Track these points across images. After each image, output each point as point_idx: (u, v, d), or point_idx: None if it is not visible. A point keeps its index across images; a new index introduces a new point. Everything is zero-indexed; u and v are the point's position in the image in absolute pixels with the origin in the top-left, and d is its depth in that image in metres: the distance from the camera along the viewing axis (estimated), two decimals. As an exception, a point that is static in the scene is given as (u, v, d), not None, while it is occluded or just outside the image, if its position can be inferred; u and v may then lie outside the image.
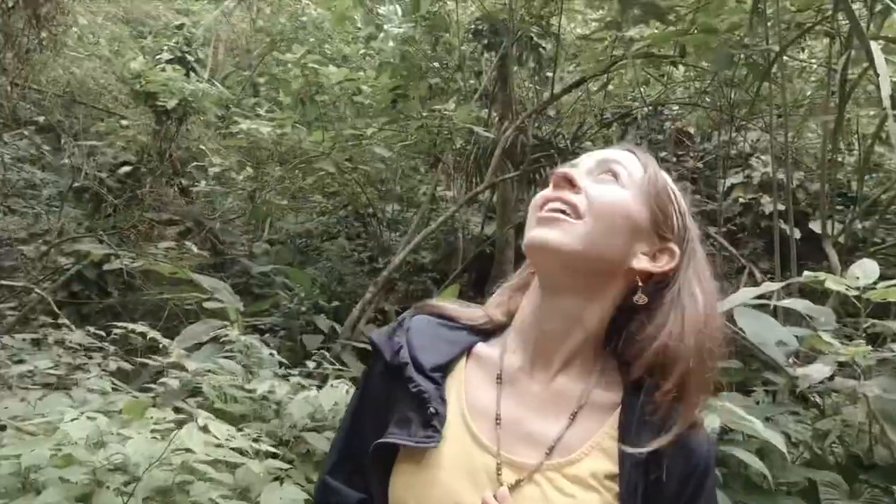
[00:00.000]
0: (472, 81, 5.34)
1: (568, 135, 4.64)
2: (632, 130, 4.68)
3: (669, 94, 4.58)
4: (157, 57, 5.45)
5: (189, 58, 5.51)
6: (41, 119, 6.06)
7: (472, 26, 4.98)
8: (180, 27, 5.79)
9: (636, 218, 0.64)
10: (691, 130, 4.98)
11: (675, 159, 4.83)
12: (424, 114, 4.25)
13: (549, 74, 4.83)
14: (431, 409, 0.63)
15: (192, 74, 5.29)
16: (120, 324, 2.62)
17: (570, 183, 0.65)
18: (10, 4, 4.21)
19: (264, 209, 5.30)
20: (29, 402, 2.14)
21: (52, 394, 2.37)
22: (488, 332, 0.70)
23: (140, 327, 2.58)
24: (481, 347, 0.69)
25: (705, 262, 0.67)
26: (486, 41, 4.92)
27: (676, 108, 4.84)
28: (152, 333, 2.50)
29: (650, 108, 4.42)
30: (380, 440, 0.64)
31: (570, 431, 0.63)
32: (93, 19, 6.28)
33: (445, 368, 0.66)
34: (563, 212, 0.63)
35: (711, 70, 3.90)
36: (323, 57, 5.14)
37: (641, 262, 0.64)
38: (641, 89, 4.57)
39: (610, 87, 5.15)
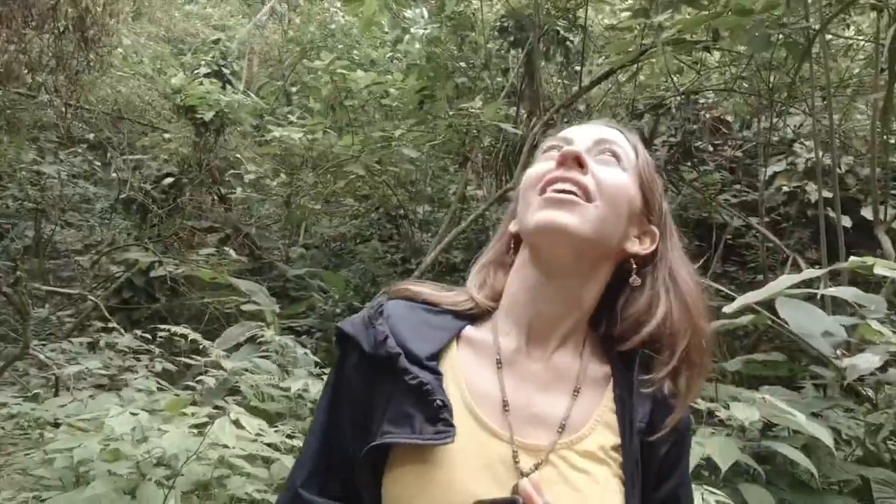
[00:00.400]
0: (499, 79, 5.31)
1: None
2: (665, 121, 4.53)
3: (703, 81, 4.42)
4: (196, 72, 5.69)
5: (225, 71, 5.72)
6: (91, 136, 6.42)
7: (498, 23, 4.96)
8: (216, 42, 6.01)
9: (634, 202, 0.65)
10: (729, 118, 4.79)
11: (711, 149, 4.64)
12: (451, 113, 4.26)
13: (578, 68, 4.75)
14: (438, 402, 0.58)
15: (227, 87, 5.48)
16: (163, 327, 2.74)
17: (579, 163, 0.63)
18: (62, 29, 4.50)
19: (298, 214, 5.43)
20: (82, 401, 2.27)
21: (104, 393, 2.52)
22: (473, 315, 0.67)
23: (182, 330, 2.70)
24: (471, 331, 0.66)
25: (680, 241, 0.68)
26: (511, 38, 4.88)
27: (712, 95, 4.66)
28: (193, 335, 2.61)
29: (683, 96, 4.27)
30: (379, 442, 0.58)
31: (575, 408, 0.63)
32: (136, 40, 6.61)
33: (438, 356, 0.63)
34: (573, 193, 0.62)
35: (747, 53, 3.74)
36: (351, 63, 5.24)
37: (635, 246, 0.66)
38: (674, 78, 4.43)
39: (641, 77, 5.02)
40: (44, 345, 4.01)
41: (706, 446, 1.80)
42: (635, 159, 0.67)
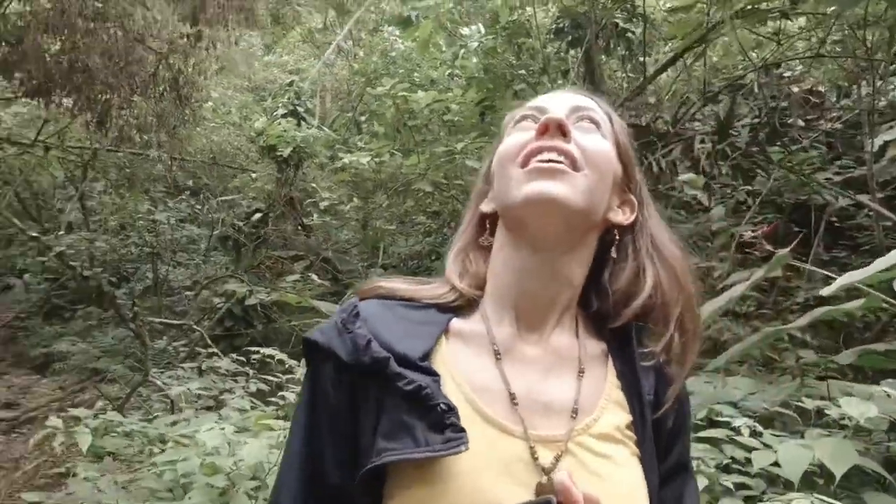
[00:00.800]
0: (559, 82, 5.22)
1: (669, 118, 4.28)
2: (746, 101, 4.15)
3: (786, 51, 4.01)
4: (274, 114, 6.18)
5: (299, 109, 6.16)
6: (191, 183, 7.16)
7: (553, 26, 4.88)
8: (290, 84, 6.50)
9: (616, 169, 0.63)
10: (821, 89, 4.29)
11: (804, 125, 4.18)
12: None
13: (642, 59, 4.54)
14: (442, 406, 0.52)
15: (302, 123, 5.89)
16: (254, 349, 2.96)
17: (562, 131, 0.59)
18: (161, 92, 5.11)
19: (375, 235, 5.65)
20: (187, 419, 2.51)
21: (207, 413, 2.76)
22: (457, 307, 0.62)
23: (271, 351, 2.89)
24: (459, 323, 0.61)
25: (656, 209, 0.66)
26: (569, 38, 4.78)
27: (799, 66, 4.21)
28: (280, 356, 2.79)
29: (763, 71, 3.89)
30: (379, 461, 0.52)
31: (583, 389, 0.60)
32: (224, 92, 7.32)
33: (429, 356, 0.57)
34: (560, 163, 0.58)
35: (835, 12, 3.36)
36: (412, 85, 5.40)
37: (618, 216, 0.63)
38: (752, 53, 4.07)
39: (714, 58, 4.68)
40: (162, 372, 4.49)
41: (816, 449, 1.60)
42: (611, 127, 0.64)
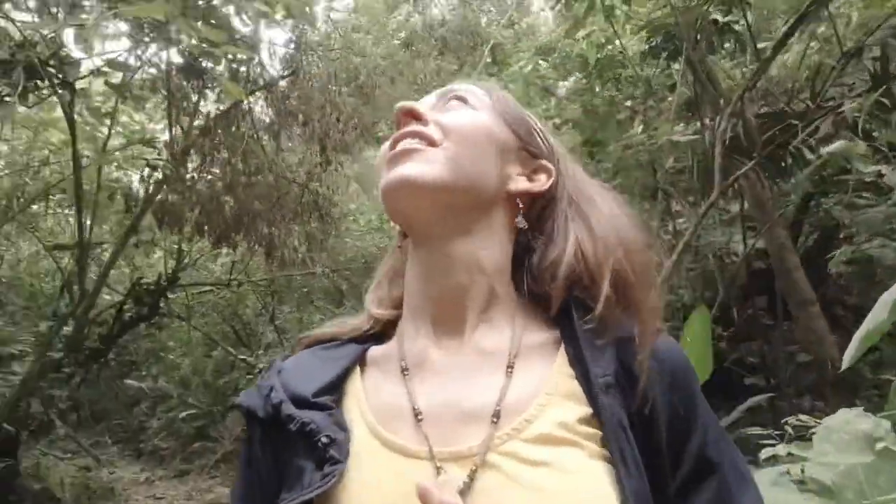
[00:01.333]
0: (670, 99, 4.88)
1: (807, 95, 3.61)
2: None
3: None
4: (405, 211, 6.77)
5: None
6: (345, 287, 8.00)
7: (646, 46, 4.68)
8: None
9: (499, 136, 0.58)
10: None
11: None
12: (619, 153, 4.02)
13: (759, 45, 4.03)
14: (322, 440, 0.49)
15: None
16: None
17: (415, 116, 0.57)
18: (308, 216, 5.98)
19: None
20: None
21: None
22: (379, 335, 0.59)
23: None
24: (375, 350, 0.58)
25: (583, 172, 0.61)
26: (665, 52, 4.52)
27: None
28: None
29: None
30: None
31: (513, 387, 0.51)
32: (362, 203, 8.30)
33: (336, 389, 0.54)
34: (412, 144, 0.55)
35: None
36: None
37: (519, 184, 0.58)
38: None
39: (855, 13, 3.97)
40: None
41: None
42: (489, 99, 0.60)
